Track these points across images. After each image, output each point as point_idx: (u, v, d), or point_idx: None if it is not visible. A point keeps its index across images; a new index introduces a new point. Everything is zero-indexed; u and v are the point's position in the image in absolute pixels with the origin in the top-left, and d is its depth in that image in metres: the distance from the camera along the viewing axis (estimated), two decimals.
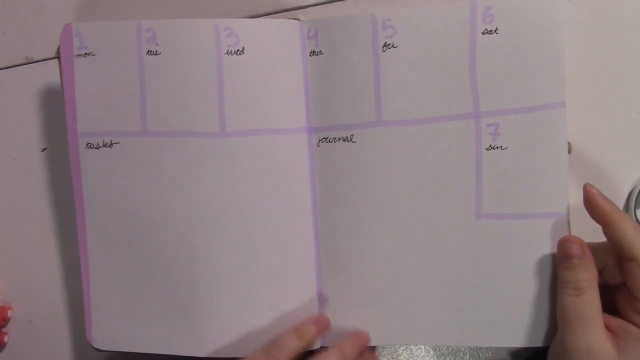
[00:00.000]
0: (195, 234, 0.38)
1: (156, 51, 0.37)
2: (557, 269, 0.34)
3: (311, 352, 0.38)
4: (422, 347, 0.41)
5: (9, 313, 0.45)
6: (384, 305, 0.37)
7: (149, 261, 0.39)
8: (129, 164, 0.38)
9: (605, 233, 0.33)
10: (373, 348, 0.39)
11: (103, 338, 0.40)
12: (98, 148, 0.38)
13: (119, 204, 0.38)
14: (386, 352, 0.42)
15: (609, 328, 0.33)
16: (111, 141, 0.38)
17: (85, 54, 0.38)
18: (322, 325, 0.38)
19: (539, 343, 0.36)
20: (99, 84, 0.38)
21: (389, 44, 0.36)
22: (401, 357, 0.41)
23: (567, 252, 0.33)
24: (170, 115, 0.38)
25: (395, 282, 0.37)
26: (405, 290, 0.37)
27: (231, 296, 0.38)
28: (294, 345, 0.36)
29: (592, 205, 0.33)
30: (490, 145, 0.36)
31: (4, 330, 0.46)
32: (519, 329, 0.36)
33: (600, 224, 0.33)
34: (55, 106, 0.44)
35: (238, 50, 0.37)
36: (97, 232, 0.39)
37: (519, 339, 0.36)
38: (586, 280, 0.32)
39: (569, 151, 0.35)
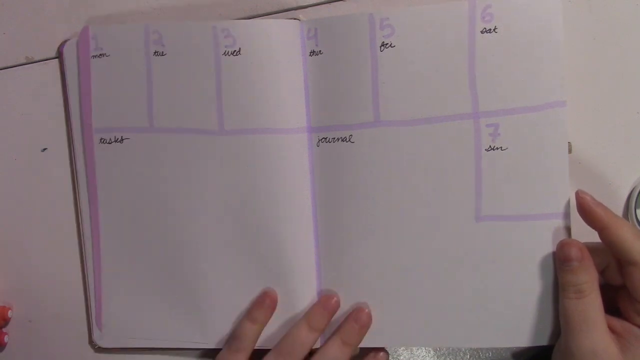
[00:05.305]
0: (196, 231, 0.39)
1: (162, 52, 0.39)
2: (558, 272, 0.34)
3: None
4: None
5: (9, 313, 0.45)
6: (384, 306, 0.37)
7: (155, 252, 0.40)
8: (137, 159, 0.40)
9: (602, 238, 0.33)
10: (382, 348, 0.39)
11: (111, 336, 0.41)
12: (110, 143, 0.40)
13: (128, 197, 0.40)
14: None
15: (612, 329, 0.33)
16: (122, 137, 0.40)
17: (100, 54, 0.40)
18: (331, 309, 0.37)
19: (544, 342, 0.36)
20: (112, 83, 0.40)
21: (387, 44, 0.36)
22: (401, 357, 0.41)
23: (567, 255, 0.33)
24: (174, 113, 0.39)
25: (395, 283, 0.37)
26: (406, 292, 0.37)
27: (231, 292, 0.39)
28: (308, 340, 0.36)
29: (587, 211, 0.33)
30: (490, 146, 0.36)
31: (4, 330, 0.46)
32: (523, 328, 0.36)
33: (596, 230, 0.33)
34: (55, 106, 0.44)
35: (235, 51, 0.38)
36: (109, 225, 0.41)
37: (523, 339, 0.36)
38: (587, 283, 0.32)
39: (570, 151, 0.35)
